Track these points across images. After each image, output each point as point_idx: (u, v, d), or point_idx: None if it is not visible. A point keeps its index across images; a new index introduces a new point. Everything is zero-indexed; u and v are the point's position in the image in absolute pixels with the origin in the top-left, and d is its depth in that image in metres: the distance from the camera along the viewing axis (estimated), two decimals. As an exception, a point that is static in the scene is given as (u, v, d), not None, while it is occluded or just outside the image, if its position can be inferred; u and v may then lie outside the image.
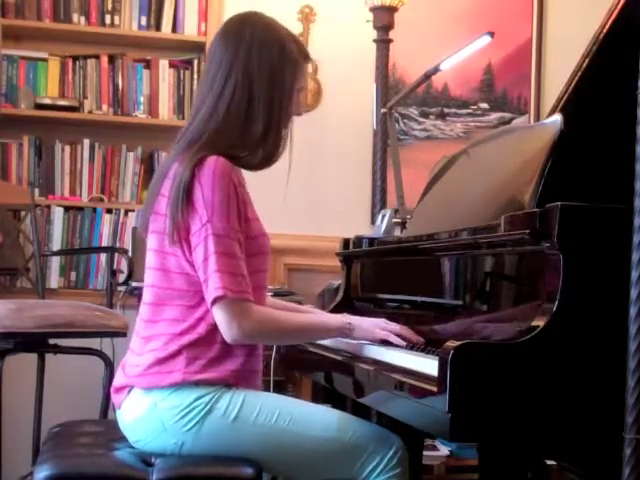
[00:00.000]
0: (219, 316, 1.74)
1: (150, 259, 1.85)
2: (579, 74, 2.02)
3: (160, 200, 1.81)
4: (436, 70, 2.80)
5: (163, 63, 3.68)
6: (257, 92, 1.84)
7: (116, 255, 3.48)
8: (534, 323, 1.47)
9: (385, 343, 1.88)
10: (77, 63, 3.62)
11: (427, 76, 2.84)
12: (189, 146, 1.81)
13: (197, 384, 1.76)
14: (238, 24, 1.90)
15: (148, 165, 3.69)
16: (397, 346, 1.86)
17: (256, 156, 1.87)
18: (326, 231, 3.62)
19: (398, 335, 1.88)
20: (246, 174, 1.92)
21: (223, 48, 1.87)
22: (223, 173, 1.76)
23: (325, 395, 3.05)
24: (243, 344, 1.80)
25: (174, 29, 3.67)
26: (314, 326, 1.92)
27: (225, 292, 1.72)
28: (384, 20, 3.42)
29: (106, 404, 2.88)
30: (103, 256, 3.52)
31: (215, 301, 1.73)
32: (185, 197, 1.74)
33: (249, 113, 1.84)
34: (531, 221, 1.53)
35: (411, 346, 1.85)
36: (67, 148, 3.61)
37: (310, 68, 3.70)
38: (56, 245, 3.58)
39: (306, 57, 1.94)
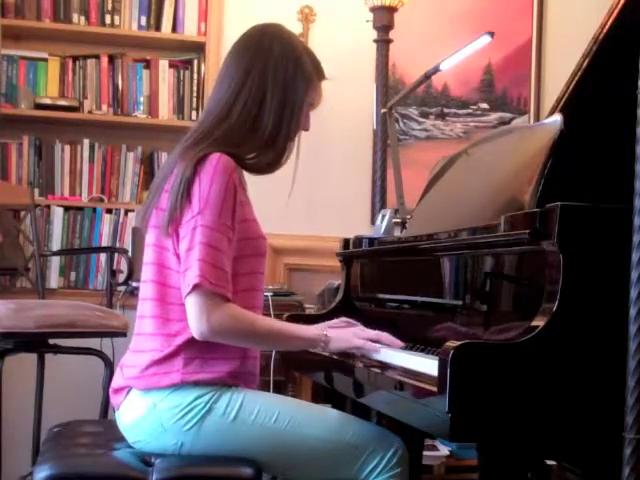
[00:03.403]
0: (191, 306, 1.72)
1: (148, 254, 1.85)
2: (579, 74, 2.02)
3: (163, 196, 1.82)
4: (436, 70, 2.80)
5: (163, 63, 3.68)
6: (269, 102, 1.86)
7: (116, 255, 3.48)
8: (534, 323, 1.47)
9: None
10: (77, 63, 3.62)
11: (427, 76, 2.84)
12: (195, 145, 1.82)
13: (196, 384, 1.76)
14: (259, 34, 1.93)
15: (148, 165, 3.69)
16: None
17: (260, 161, 1.90)
18: (326, 231, 3.62)
19: (377, 341, 1.87)
20: (251, 176, 1.93)
21: (241, 55, 1.90)
22: (224, 169, 1.76)
23: (325, 395, 3.05)
24: (220, 344, 1.77)
25: (174, 29, 3.67)
26: (288, 333, 1.85)
27: (202, 280, 1.69)
28: (384, 20, 3.42)
29: (106, 404, 2.88)
30: (103, 256, 3.52)
31: (191, 290, 1.70)
32: (185, 192, 1.75)
33: (258, 121, 1.86)
34: (531, 221, 1.53)
35: (411, 346, 1.85)
36: (67, 148, 3.61)
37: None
38: (56, 245, 3.58)
39: (320, 75, 1.96)
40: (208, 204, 1.74)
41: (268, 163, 1.91)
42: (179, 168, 1.79)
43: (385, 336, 1.88)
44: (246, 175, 1.93)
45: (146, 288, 1.85)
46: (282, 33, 1.95)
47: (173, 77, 3.69)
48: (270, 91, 1.87)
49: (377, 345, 1.85)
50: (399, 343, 1.87)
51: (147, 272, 1.85)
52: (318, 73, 1.96)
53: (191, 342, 1.76)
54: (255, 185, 1.98)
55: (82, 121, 3.62)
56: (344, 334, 1.88)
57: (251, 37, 1.93)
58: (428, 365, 1.55)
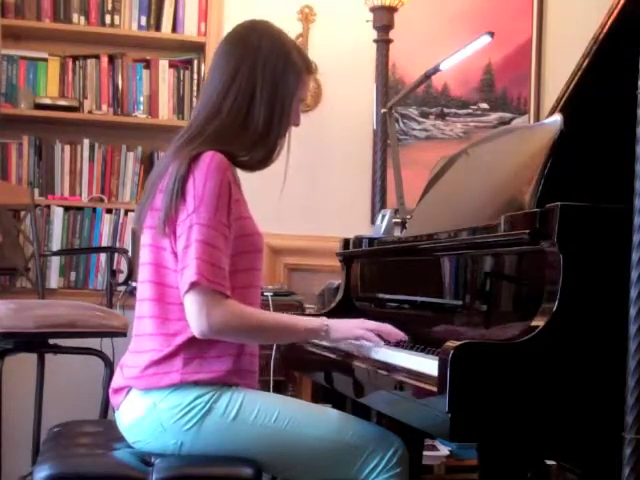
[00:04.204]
0: (190, 304, 1.72)
1: (144, 254, 1.85)
2: (579, 74, 2.02)
3: (158, 196, 1.82)
4: (436, 70, 2.80)
5: (163, 63, 3.68)
6: (259, 98, 1.86)
7: (116, 255, 3.48)
8: (534, 323, 1.47)
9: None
10: (77, 63, 3.62)
11: (427, 76, 2.84)
12: (188, 143, 1.82)
13: (196, 383, 1.76)
14: (247, 30, 1.93)
15: (148, 165, 3.68)
16: (397, 346, 1.86)
17: (252, 158, 1.90)
18: (326, 231, 3.62)
19: (378, 333, 1.87)
20: (248, 174, 1.93)
21: (230, 52, 1.90)
22: (218, 167, 1.76)
23: (325, 395, 3.05)
24: (226, 341, 1.78)
25: (174, 29, 3.67)
26: (288, 325, 1.86)
27: (200, 278, 1.69)
28: (384, 20, 3.42)
29: (106, 404, 2.87)
30: (103, 256, 3.51)
31: (189, 288, 1.70)
32: (180, 191, 1.75)
33: (249, 117, 1.86)
34: (531, 221, 1.53)
35: (411, 346, 1.84)
36: (67, 148, 3.61)
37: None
38: (56, 245, 3.58)
39: (309, 69, 1.96)
40: (203, 202, 1.74)
41: (260, 160, 1.90)
42: (173, 167, 1.79)
43: (385, 327, 1.89)
44: (244, 176, 1.93)
45: (144, 288, 1.85)
46: (270, 29, 1.94)
47: (173, 77, 3.69)
48: (260, 86, 1.86)
49: (377, 338, 1.85)
50: (401, 335, 1.87)
51: (144, 272, 1.85)
52: (307, 68, 1.95)
53: (191, 342, 1.76)
54: (255, 185, 1.99)
55: (82, 121, 3.62)
56: (345, 324, 1.89)
57: (239, 33, 1.93)
58: (428, 365, 1.55)
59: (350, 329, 1.88)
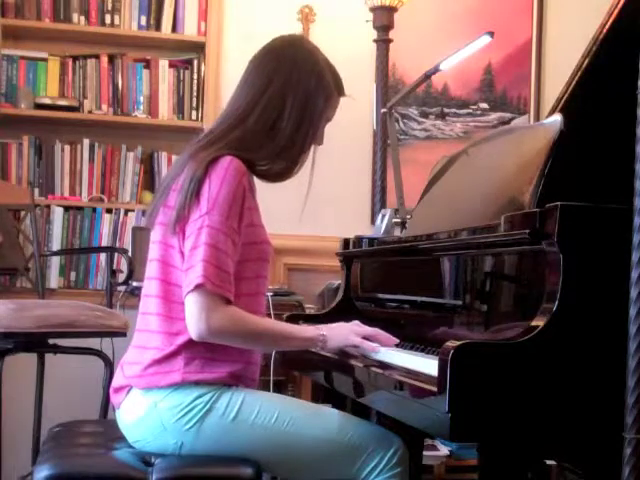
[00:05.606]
0: (191, 305, 1.72)
1: (153, 251, 1.86)
2: (579, 74, 2.02)
3: (171, 195, 1.83)
4: (436, 70, 2.80)
5: (163, 63, 3.68)
6: (288, 112, 1.87)
7: (116, 255, 3.48)
8: (534, 323, 1.47)
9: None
10: (77, 63, 3.63)
11: (427, 76, 2.84)
12: (208, 146, 1.83)
13: (197, 383, 1.76)
14: (283, 44, 1.94)
15: (148, 165, 3.69)
16: (397, 346, 1.86)
17: (271, 169, 1.91)
18: (326, 231, 3.62)
19: (373, 338, 1.87)
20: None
21: (265, 64, 1.91)
22: (235, 173, 1.77)
23: (325, 395, 3.04)
24: (230, 348, 1.78)
25: (174, 29, 3.67)
26: (286, 334, 1.86)
27: (205, 281, 1.69)
28: (384, 20, 3.42)
29: (106, 404, 2.88)
30: (103, 256, 3.52)
31: (193, 289, 1.70)
32: (195, 192, 1.76)
33: (275, 129, 1.87)
34: (531, 221, 1.53)
35: (411, 346, 1.85)
36: (67, 148, 3.61)
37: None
38: (56, 245, 3.58)
39: (340, 91, 1.97)
40: (216, 205, 1.74)
41: (279, 172, 1.92)
42: (190, 168, 1.79)
43: (378, 333, 1.89)
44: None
45: (150, 285, 1.85)
46: (307, 45, 1.96)
47: (173, 77, 3.69)
48: (290, 101, 1.87)
49: (374, 345, 1.85)
50: (393, 339, 1.88)
51: (151, 269, 1.85)
52: (338, 89, 1.97)
53: (192, 342, 1.76)
54: (256, 185, 1.99)
55: (82, 121, 3.62)
56: (341, 332, 1.88)
57: (275, 48, 1.94)
58: (428, 365, 1.55)
59: (346, 337, 1.87)
